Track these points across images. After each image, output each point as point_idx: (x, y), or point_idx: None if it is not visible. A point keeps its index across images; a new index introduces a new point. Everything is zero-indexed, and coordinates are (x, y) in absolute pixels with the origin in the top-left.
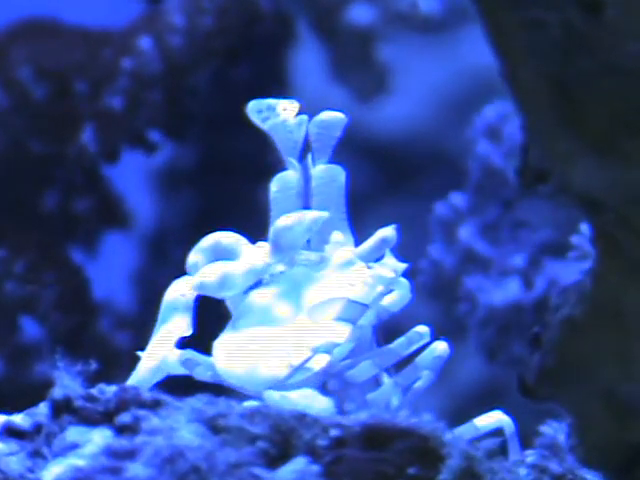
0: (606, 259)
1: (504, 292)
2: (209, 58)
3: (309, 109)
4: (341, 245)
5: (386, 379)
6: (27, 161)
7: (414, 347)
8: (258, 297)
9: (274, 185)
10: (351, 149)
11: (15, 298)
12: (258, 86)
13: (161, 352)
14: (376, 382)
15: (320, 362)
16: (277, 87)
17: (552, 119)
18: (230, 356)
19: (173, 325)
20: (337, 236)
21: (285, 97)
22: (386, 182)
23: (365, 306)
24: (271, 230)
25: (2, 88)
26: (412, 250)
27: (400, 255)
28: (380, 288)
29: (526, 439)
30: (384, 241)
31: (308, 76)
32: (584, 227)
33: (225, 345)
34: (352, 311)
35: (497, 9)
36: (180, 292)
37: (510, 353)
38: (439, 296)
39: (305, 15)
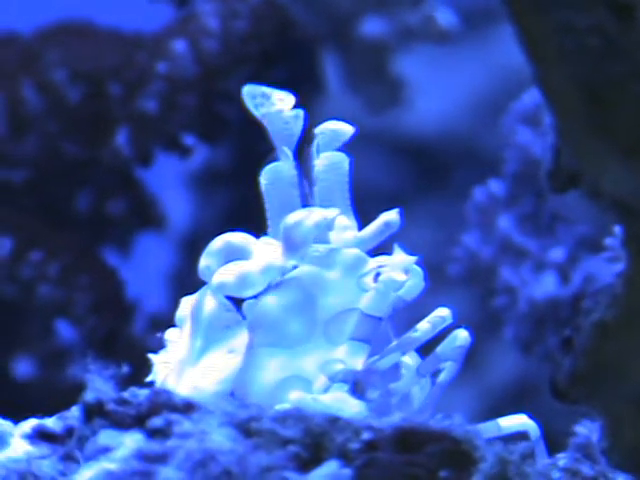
0: (637, 263)
1: (541, 286)
2: (243, 62)
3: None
4: (345, 229)
5: (409, 364)
6: (61, 164)
7: (438, 330)
8: (270, 306)
9: (264, 178)
10: (386, 148)
11: (50, 301)
12: (292, 90)
13: (225, 372)
14: (397, 369)
15: (339, 397)
16: (312, 91)
17: (583, 123)
18: (249, 384)
19: (234, 343)
20: (342, 220)
21: (318, 101)
22: (420, 180)
23: (379, 319)
24: (281, 228)
25: (37, 91)
26: (445, 247)
27: (433, 252)
28: (393, 295)
29: (561, 438)
30: (387, 225)
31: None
32: (618, 229)
33: (244, 370)
34: (367, 327)
35: (528, 13)
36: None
37: (545, 348)
38: (472, 286)
39: (322, 25)
